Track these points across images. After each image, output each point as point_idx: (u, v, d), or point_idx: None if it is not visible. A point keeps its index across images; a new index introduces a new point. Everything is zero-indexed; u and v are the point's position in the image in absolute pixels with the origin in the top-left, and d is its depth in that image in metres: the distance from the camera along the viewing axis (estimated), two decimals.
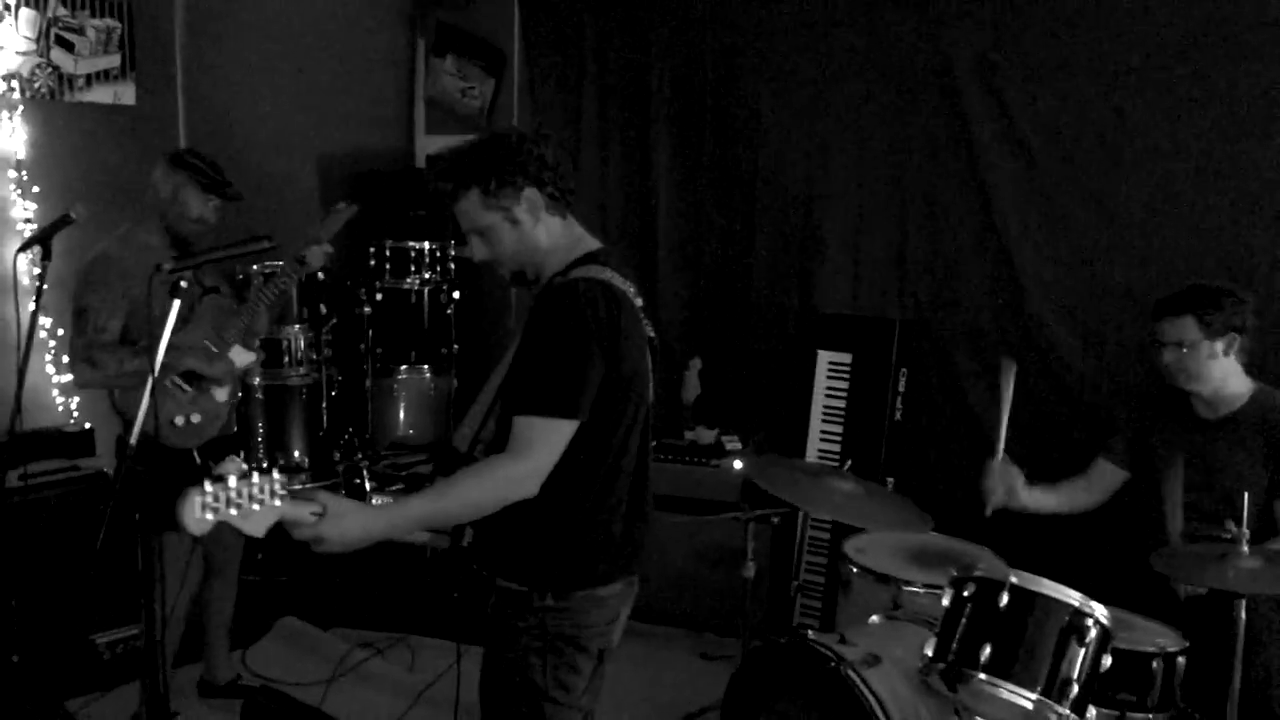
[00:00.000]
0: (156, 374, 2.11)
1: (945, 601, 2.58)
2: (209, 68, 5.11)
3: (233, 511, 1.80)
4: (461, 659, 4.03)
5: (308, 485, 1.83)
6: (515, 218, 2.18)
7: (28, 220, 4.52)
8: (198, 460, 3.29)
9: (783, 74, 4.57)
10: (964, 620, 2.49)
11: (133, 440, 2.07)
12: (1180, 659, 2.65)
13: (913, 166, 4.30)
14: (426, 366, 5.56)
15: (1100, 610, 2.43)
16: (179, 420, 3.28)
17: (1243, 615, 2.42)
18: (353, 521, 1.96)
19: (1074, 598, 2.43)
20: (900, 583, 3.15)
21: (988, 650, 2.40)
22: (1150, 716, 2.61)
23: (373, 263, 5.46)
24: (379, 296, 5.43)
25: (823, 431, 4.41)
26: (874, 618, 3.04)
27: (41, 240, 2.96)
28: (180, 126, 5.02)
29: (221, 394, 3.35)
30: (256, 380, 4.93)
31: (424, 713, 3.78)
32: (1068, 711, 2.36)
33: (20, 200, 4.51)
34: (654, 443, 4.98)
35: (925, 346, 4.29)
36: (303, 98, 5.51)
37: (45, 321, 4.58)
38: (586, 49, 5.21)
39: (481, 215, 2.18)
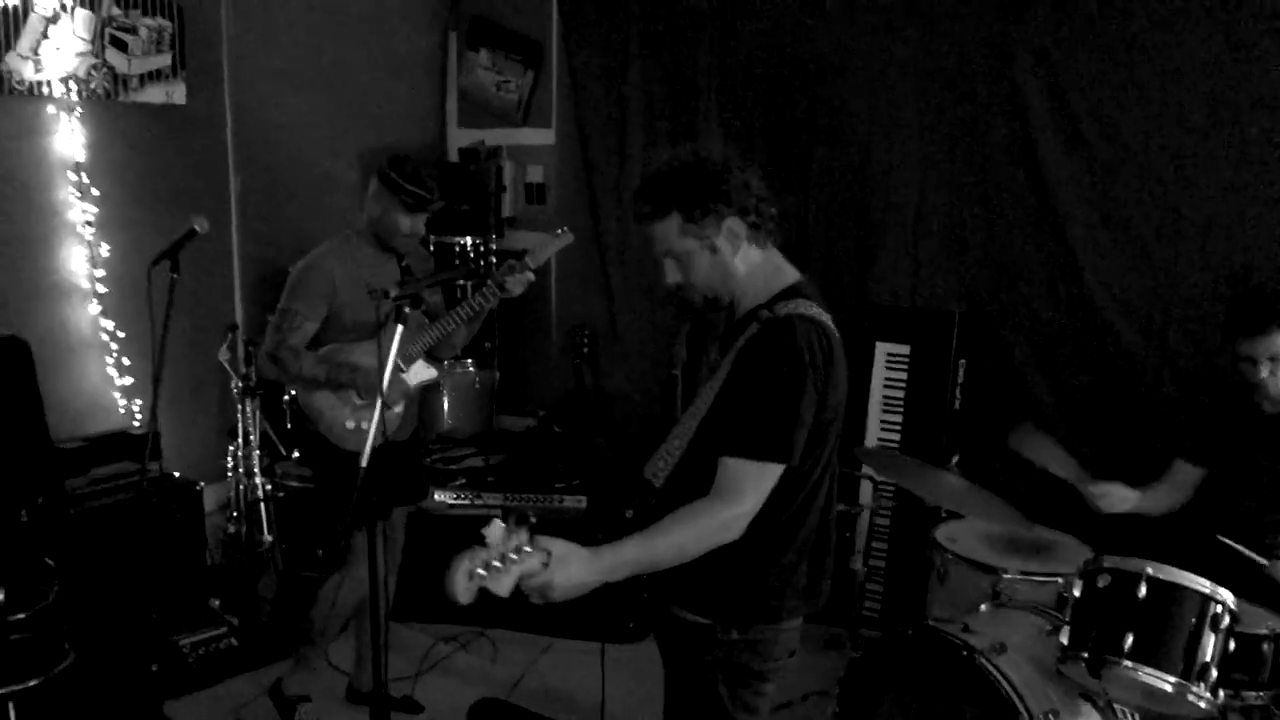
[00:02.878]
0: (384, 390, 2.16)
1: (1076, 592, 2.71)
2: (253, 66, 5.10)
3: (485, 575, 1.79)
4: (547, 652, 4.20)
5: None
6: (714, 246, 2.14)
7: (87, 223, 4.51)
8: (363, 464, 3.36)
9: (839, 64, 4.64)
10: (1101, 610, 2.62)
11: (364, 462, 2.11)
12: None
13: (972, 159, 4.39)
14: (470, 361, 5.62)
15: (1229, 597, 2.57)
16: (350, 425, 3.39)
17: None
18: (577, 566, 1.91)
19: (1205, 586, 2.57)
20: (1000, 571, 3.29)
21: (1130, 639, 2.53)
22: (1260, 694, 2.75)
23: None
24: None
25: (882, 421, 4.54)
26: (983, 606, 3.16)
27: (171, 254, 2.98)
28: (228, 125, 5.02)
29: (397, 405, 3.41)
30: None
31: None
32: (1207, 693, 2.51)
33: (79, 203, 4.49)
34: None
35: (984, 338, 4.40)
36: (341, 93, 5.52)
37: (108, 324, 4.58)
38: (631, 39, 5.24)
39: (679, 241, 2.14)
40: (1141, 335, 4.08)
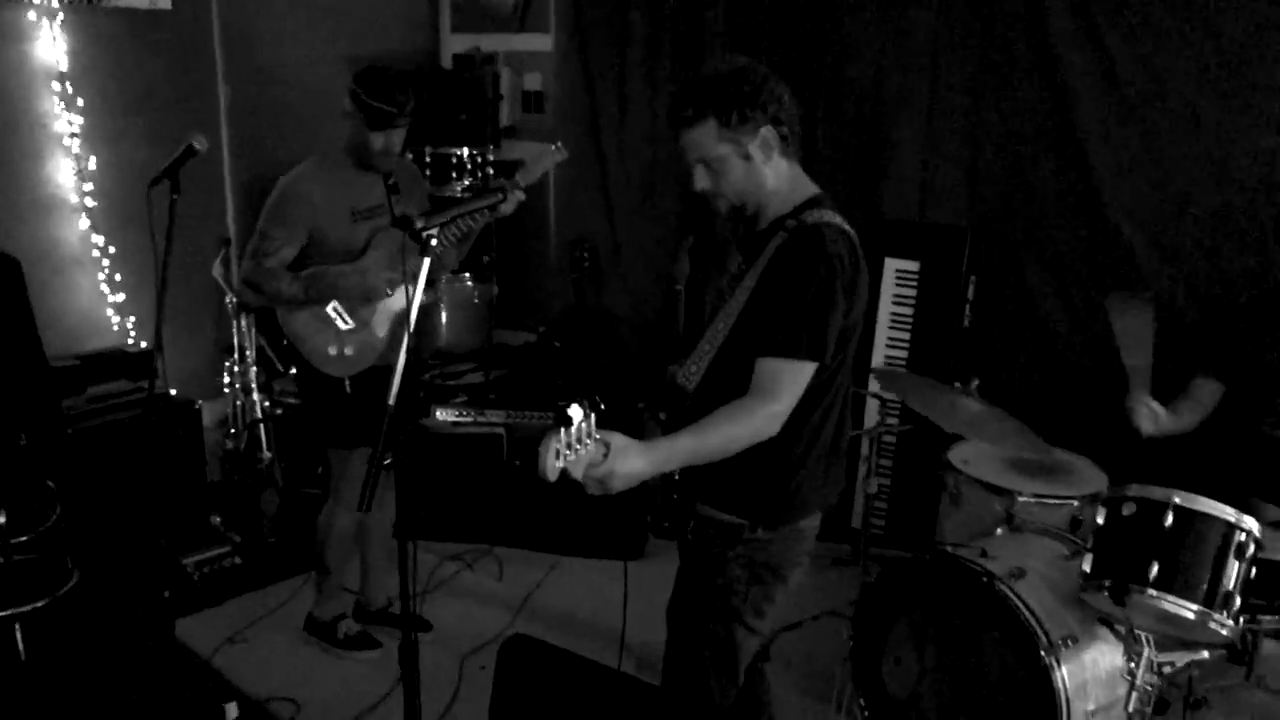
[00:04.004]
0: (411, 327, 2.09)
1: (1099, 519, 2.69)
2: None
3: (571, 456, 1.81)
4: (553, 570, 4.21)
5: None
6: (748, 153, 2.18)
7: (73, 134, 4.36)
8: (348, 389, 3.30)
9: None
10: (1126, 538, 2.60)
11: (390, 401, 2.05)
12: None
13: (988, 75, 4.25)
14: (468, 275, 5.52)
15: (1254, 525, 2.56)
16: (332, 351, 3.30)
17: None
18: (635, 457, 1.97)
19: (1230, 514, 2.56)
20: (1014, 493, 3.27)
21: (1155, 568, 2.52)
22: (1277, 618, 2.75)
23: None
24: None
25: (889, 338, 4.48)
26: (999, 530, 3.16)
27: (170, 174, 2.86)
28: (214, 32, 4.83)
29: (381, 329, 3.33)
30: None
31: (526, 624, 3.89)
32: (1229, 620, 2.52)
33: (65, 113, 4.33)
34: None
35: (996, 255, 4.33)
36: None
37: (98, 240, 4.46)
38: None
39: (715, 146, 2.17)
40: (1158, 256, 4.00)
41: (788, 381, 2.13)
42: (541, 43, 5.58)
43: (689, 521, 2.38)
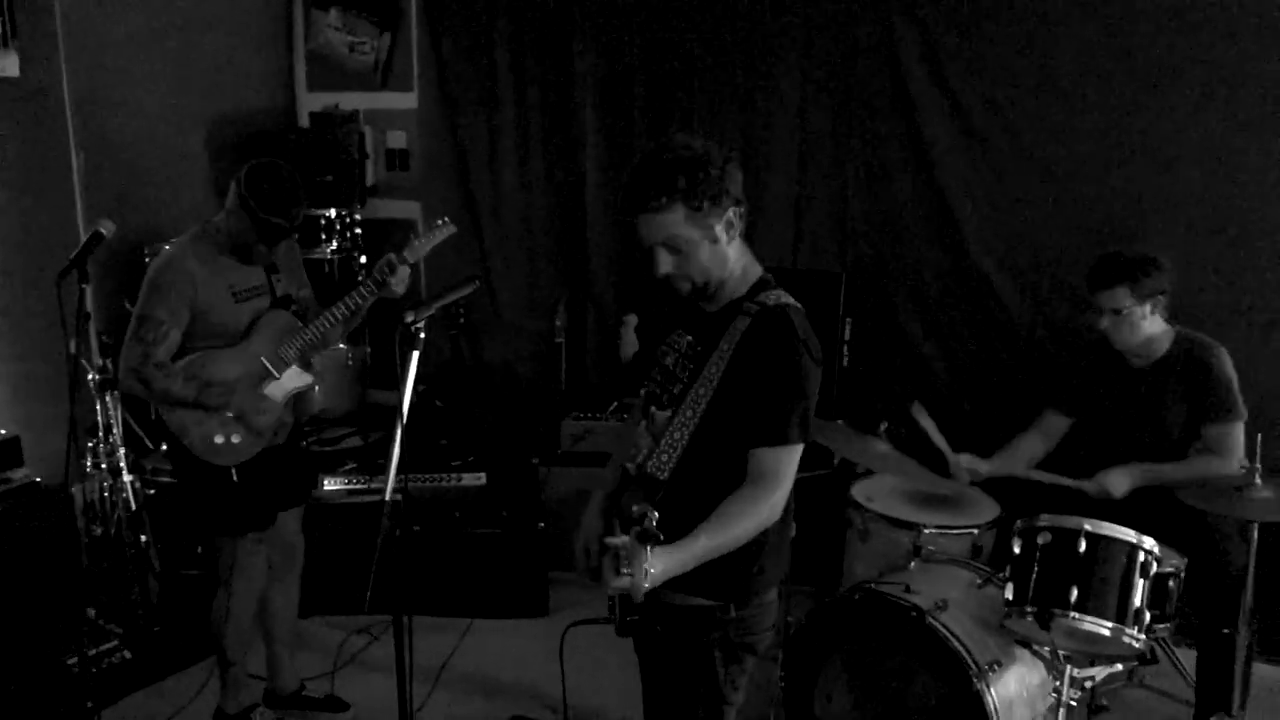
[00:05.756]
0: (404, 420, 2.06)
1: (1016, 549, 2.90)
2: (90, 33, 4.65)
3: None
4: (466, 635, 4.15)
5: None
6: (715, 236, 2.18)
7: None
8: (234, 478, 3.19)
9: (718, 30, 4.65)
10: (1043, 565, 2.82)
11: (386, 497, 2.02)
12: (1182, 575, 3.07)
13: (853, 127, 4.51)
14: None
15: (1153, 544, 2.82)
16: (218, 439, 3.16)
17: (1255, 538, 2.87)
18: (661, 559, 1.97)
19: (1131, 535, 2.80)
20: (920, 527, 3.47)
21: (1075, 592, 2.73)
22: (1168, 626, 3.01)
23: None
24: None
25: None
26: (913, 564, 3.33)
27: (78, 264, 2.73)
28: (65, 99, 4.58)
29: (269, 417, 3.23)
30: None
31: (445, 695, 3.83)
32: (1140, 634, 2.76)
33: None
34: (614, 404, 5.01)
35: (869, 299, 4.56)
36: (185, 59, 5.11)
37: None
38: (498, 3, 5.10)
39: (683, 230, 2.15)
40: (1017, 290, 4.32)
41: (786, 468, 2.17)
42: (405, 100, 5.53)
43: (656, 611, 2.30)
